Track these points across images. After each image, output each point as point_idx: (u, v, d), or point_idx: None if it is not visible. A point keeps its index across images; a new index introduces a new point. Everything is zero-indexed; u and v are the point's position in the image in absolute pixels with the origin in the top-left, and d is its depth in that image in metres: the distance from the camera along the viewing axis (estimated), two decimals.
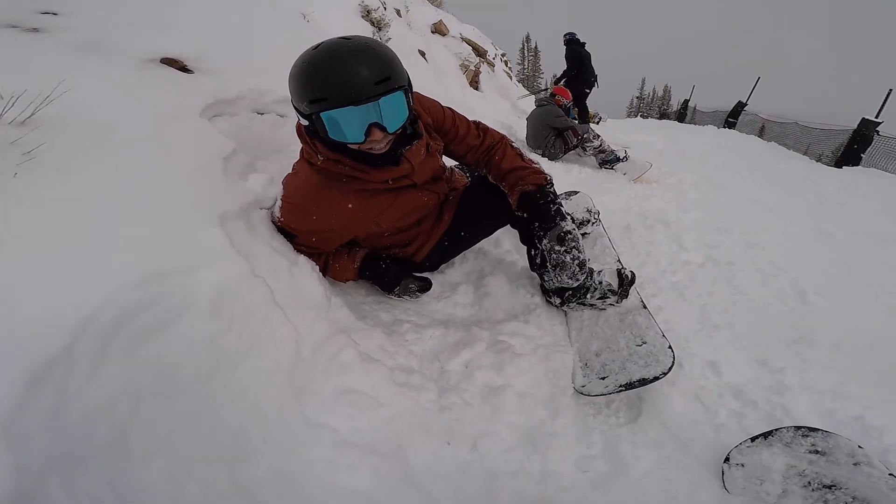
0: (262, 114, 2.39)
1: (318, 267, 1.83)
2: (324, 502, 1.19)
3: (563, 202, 2.24)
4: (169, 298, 1.17)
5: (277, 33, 3.35)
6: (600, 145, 5.34)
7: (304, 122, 1.48)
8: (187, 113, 1.85)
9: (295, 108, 1.48)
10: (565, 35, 8.84)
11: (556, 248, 1.80)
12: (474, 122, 1.97)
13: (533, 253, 2.03)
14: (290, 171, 1.76)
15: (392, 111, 1.41)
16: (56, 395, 0.89)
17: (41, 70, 1.58)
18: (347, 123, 1.38)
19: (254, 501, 1.11)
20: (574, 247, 1.81)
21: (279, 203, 1.73)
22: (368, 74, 1.34)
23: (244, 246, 1.52)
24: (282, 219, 1.74)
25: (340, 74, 1.33)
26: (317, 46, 1.38)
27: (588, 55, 8.68)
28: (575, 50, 8.63)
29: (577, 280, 1.84)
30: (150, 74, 1.95)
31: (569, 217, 1.86)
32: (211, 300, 1.26)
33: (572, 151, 5.58)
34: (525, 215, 1.88)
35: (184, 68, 2.14)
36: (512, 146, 1.92)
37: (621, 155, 5.28)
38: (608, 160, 5.30)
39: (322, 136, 1.47)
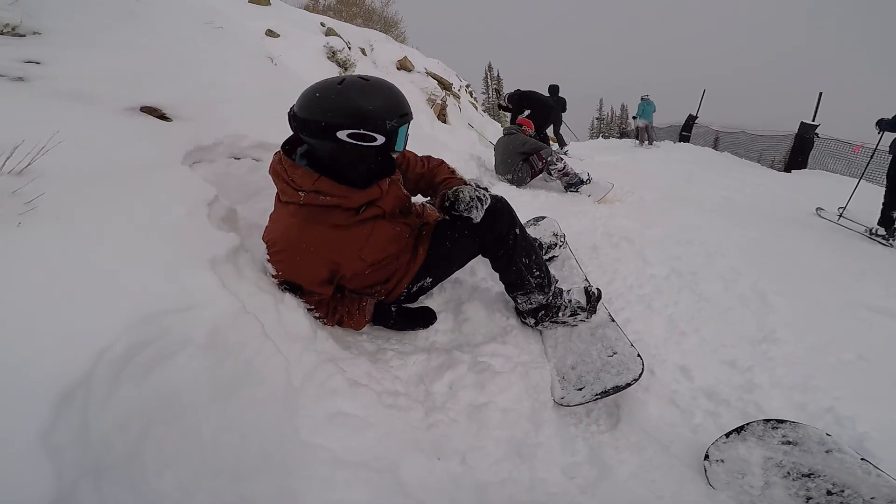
0: (238, 159, 2.44)
1: (312, 308, 1.91)
2: None
3: (531, 226, 2.35)
4: (171, 333, 1.25)
5: (248, 78, 3.42)
6: (563, 167, 5.51)
7: (381, 139, 1.66)
8: (170, 161, 1.92)
9: (364, 131, 1.62)
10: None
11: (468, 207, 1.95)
12: (421, 156, 2.23)
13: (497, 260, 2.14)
14: (266, 226, 1.84)
15: None
16: (79, 415, 0.98)
17: (31, 119, 1.64)
18: (406, 134, 1.74)
19: None
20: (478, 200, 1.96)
21: (267, 258, 1.79)
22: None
23: (234, 286, 1.60)
24: (279, 273, 1.80)
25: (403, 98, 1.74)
26: (367, 79, 1.66)
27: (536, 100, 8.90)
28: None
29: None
30: (133, 123, 2.01)
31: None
32: (208, 334, 1.34)
33: (538, 177, 5.74)
34: (451, 211, 1.99)
35: (162, 116, 2.20)
36: (448, 167, 2.23)
37: (584, 178, 5.47)
38: (572, 183, 5.48)
39: (385, 150, 1.71)
